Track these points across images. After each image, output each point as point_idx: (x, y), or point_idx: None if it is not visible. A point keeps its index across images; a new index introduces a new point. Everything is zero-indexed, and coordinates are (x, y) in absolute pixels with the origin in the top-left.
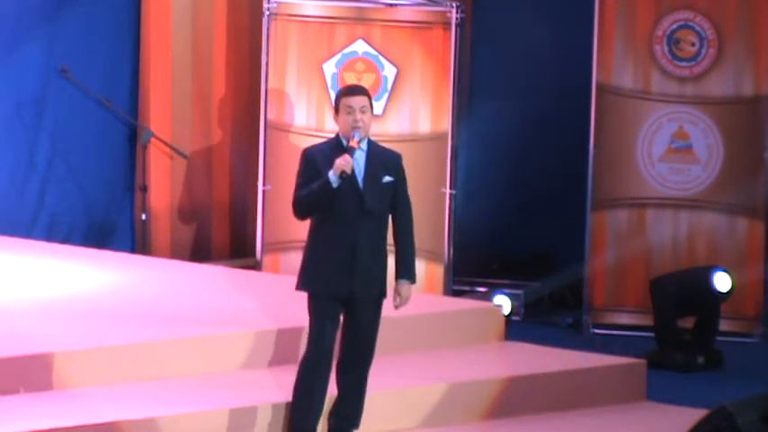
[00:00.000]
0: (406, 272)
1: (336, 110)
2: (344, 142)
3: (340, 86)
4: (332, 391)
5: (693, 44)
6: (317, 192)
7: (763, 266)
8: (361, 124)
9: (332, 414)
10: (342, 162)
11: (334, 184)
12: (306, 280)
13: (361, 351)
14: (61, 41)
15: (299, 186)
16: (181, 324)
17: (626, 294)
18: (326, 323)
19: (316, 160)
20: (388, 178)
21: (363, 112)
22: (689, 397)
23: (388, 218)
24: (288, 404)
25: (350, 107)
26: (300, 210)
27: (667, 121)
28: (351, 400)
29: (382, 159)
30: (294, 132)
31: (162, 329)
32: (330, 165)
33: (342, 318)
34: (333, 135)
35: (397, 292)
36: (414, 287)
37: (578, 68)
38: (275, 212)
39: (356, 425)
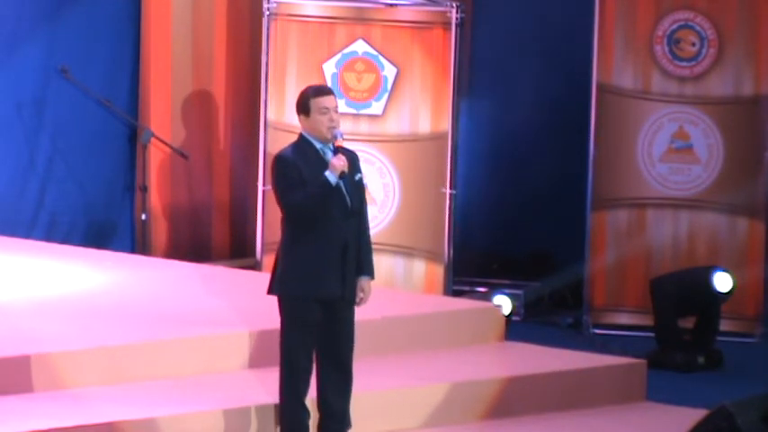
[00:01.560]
0: (368, 268)
1: (304, 111)
2: (314, 143)
3: (309, 87)
4: (311, 394)
5: (694, 44)
6: (316, 193)
7: (763, 266)
8: (337, 124)
9: (325, 424)
10: (340, 162)
11: (334, 184)
12: (290, 283)
13: (347, 350)
14: (61, 41)
15: (285, 190)
16: (181, 324)
17: (626, 294)
18: (308, 328)
19: (297, 164)
20: (359, 175)
21: (336, 112)
22: (689, 397)
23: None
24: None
25: (326, 107)
26: (301, 212)
27: (667, 121)
28: (341, 399)
29: (349, 158)
30: (294, 132)
31: (162, 329)
32: (312, 167)
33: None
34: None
35: (360, 288)
36: (413, 287)
37: (578, 68)
38: (275, 212)
39: (350, 424)
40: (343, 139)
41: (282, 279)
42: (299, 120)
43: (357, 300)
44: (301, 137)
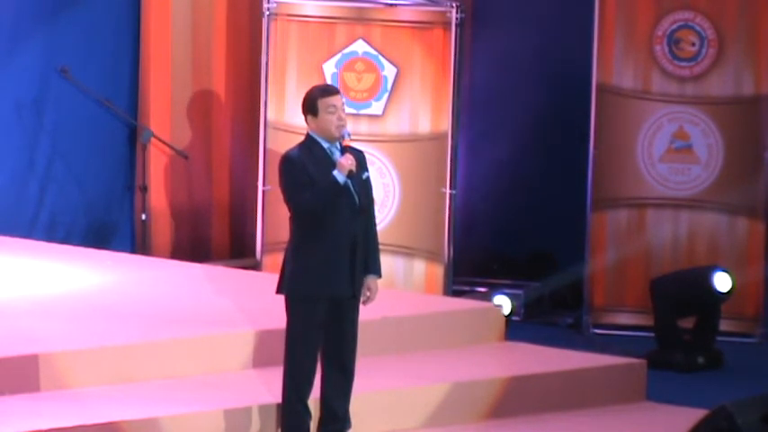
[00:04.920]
0: (375, 267)
1: (311, 111)
2: (322, 142)
3: (315, 87)
4: (314, 395)
5: (693, 44)
6: (325, 192)
7: (764, 266)
8: (345, 123)
9: (325, 424)
10: (348, 162)
11: (342, 183)
12: (299, 284)
13: (350, 350)
14: (61, 41)
15: (293, 190)
16: (181, 324)
17: (626, 294)
18: (315, 328)
19: (304, 164)
20: (366, 174)
21: (343, 111)
22: (689, 397)
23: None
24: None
25: (334, 107)
26: (309, 211)
27: (667, 121)
28: (342, 400)
29: (356, 157)
30: (294, 132)
31: (162, 329)
32: (319, 166)
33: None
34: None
35: (367, 287)
36: (413, 287)
37: (578, 68)
38: (275, 212)
39: (350, 424)
40: (351, 139)
41: (291, 279)
42: (307, 120)
43: (363, 299)
44: (309, 137)
